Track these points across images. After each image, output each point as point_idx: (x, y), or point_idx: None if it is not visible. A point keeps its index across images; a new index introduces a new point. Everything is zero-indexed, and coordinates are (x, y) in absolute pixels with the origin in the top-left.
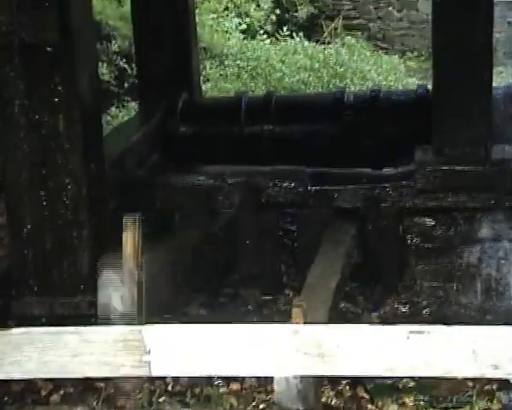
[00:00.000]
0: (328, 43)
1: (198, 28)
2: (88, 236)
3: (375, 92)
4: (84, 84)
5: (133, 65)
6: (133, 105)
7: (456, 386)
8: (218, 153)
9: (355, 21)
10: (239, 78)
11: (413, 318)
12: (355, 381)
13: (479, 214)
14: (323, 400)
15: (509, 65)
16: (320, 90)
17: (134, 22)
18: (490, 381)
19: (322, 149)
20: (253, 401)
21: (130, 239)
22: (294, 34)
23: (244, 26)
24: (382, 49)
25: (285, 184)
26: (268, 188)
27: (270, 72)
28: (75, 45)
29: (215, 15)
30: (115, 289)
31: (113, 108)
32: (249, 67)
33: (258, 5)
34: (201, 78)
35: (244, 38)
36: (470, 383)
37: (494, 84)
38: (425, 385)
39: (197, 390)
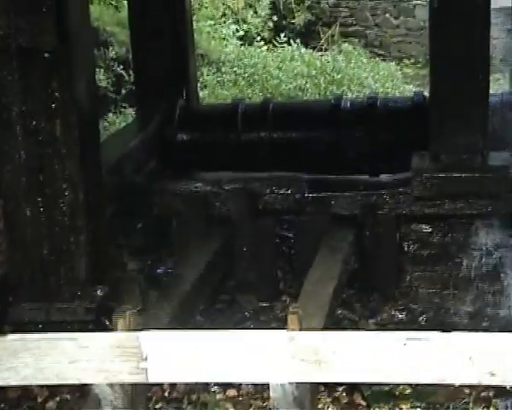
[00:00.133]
0: (326, 50)
1: (195, 35)
2: (85, 241)
3: (372, 99)
4: (81, 89)
5: (130, 71)
6: (130, 111)
7: (453, 393)
8: (215, 159)
9: (352, 28)
10: (236, 84)
11: (410, 324)
12: (352, 387)
13: (475, 221)
14: (320, 406)
15: (506, 72)
16: (317, 96)
17: (131, 28)
18: (486, 388)
19: (319, 155)
20: (250, 407)
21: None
22: (292, 41)
23: (241, 33)
24: (379, 55)
25: (282, 191)
26: (265, 194)
27: (268, 78)
28: (73, 50)
29: (212, 22)
30: None
31: (111, 114)
32: (246, 74)
33: (256, 12)
34: (198, 84)
35: (241, 45)
36: (467, 390)
37: (491, 91)
38: (422, 392)
39: (194, 397)
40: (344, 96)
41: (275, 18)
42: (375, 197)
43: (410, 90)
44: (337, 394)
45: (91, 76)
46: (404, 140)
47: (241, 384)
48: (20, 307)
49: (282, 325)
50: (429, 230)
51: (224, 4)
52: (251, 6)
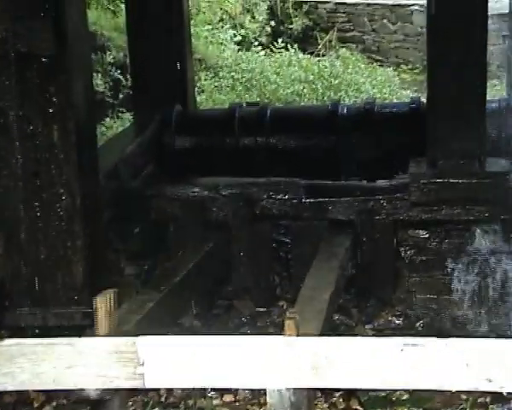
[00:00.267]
0: (323, 55)
1: (193, 40)
2: (82, 246)
3: (370, 105)
4: (78, 94)
5: (128, 76)
6: (128, 116)
7: (450, 399)
8: (212, 164)
9: (349, 34)
10: (233, 89)
11: (407, 330)
12: (349, 393)
13: (473, 227)
14: None
15: (503, 78)
16: (314, 102)
17: (129, 33)
18: (483, 394)
19: (316, 161)
20: None
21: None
22: (289, 46)
23: (239, 38)
24: (377, 61)
25: (279, 196)
26: (262, 200)
27: (265, 83)
28: (70, 55)
29: (210, 27)
30: None
31: (108, 119)
32: (244, 79)
33: (253, 17)
34: (196, 89)
35: (239, 50)
36: (464, 396)
37: (488, 98)
38: (419, 398)
39: (191, 402)
40: (341, 102)
41: (272, 23)
42: (373, 203)
43: (407, 95)
44: (334, 399)
45: (89, 81)
46: (402, 146)
47: (237, 390)
48: (16, 312)
49: (279, 330)
50: (426, 235)
51: (221, 9)
52: (248, 11)
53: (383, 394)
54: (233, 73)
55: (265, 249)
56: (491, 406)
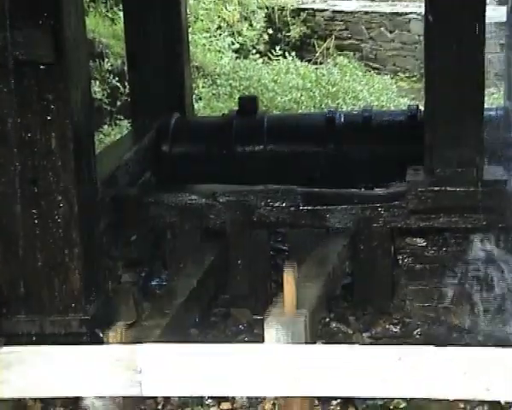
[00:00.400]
0: (321, 63)
1: (191, 47)
2: (79, 254)
3: (367, 112)
4: (76, 102)
5: (126, 83)
6: (125, 123)
7: (448, 407)
8: (209, 172)
9: (347, 42)
10: (231, 97)
11: (404, 338)
12: (346, 401)
13: (470, 235)
14: None
15: (501, 86)
16: (312, 109)
17: (127, 40)
18: (481, 403)
19: (313, 168)
20: None
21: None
22: (287, 54)
23: (237, 46)
24: (374, 69)
25: (277, 204)
26: (260, 207)
27: (263, 91)
28: (68, 63)
29: (208, 35)
30: None
31: (106, 126)
32: (241, 87)
33: (251, 25)
34: (194, 97)
35: (236, 58)
36: (461, 405)
37: (486, 106)
38: (416, 406)
39: None
40: (339, 109)
41: (270, 31)
42: (370, 210)
43: (404, 103)
44: (331, 407)
45: (87, 88)
46: (399, 153)
47: (235, 397)
48: (13, 320)
49: None
50: (424, 243)
51: (219, 17)
52: (246, 19)
53: (380, 402)
54: (231, 81)
55: (263, 257)
56: None
